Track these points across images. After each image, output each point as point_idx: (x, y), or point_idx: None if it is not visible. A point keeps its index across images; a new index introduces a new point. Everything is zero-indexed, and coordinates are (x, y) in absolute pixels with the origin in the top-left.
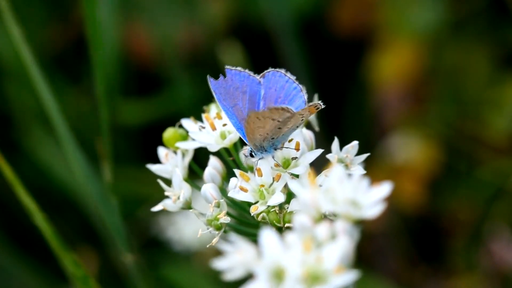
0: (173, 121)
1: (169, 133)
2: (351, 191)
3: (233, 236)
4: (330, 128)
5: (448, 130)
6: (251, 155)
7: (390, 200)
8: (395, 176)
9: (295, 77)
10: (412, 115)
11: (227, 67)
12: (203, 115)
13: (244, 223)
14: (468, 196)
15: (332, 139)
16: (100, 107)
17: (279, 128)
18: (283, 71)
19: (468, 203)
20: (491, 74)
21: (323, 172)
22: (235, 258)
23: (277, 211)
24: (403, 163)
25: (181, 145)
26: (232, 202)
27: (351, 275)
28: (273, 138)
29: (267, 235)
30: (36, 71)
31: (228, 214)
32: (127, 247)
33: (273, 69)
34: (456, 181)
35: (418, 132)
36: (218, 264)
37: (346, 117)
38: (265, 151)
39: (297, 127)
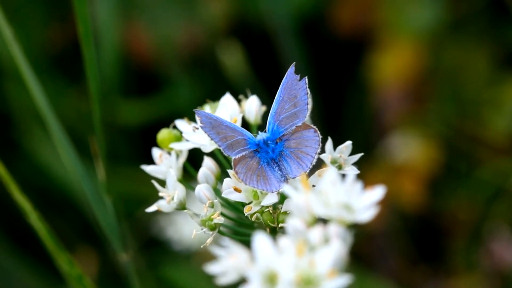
0: (173, 121)
1: (163, 134)
2: (344, 194)
3: (226, 240)
4: (330, 128)
5: (448, 130)
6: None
7: (390, 200)
8: (395, 176)
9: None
10: (412, 115)
11: None
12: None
13: (239, 223)
14: (468, 196)
15: (332, 139)
16: (93, 106)
17: None
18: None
19: (468, 203)
20: (491, 74)
21: (316, 173)
22: (228, 262)
23: (271, 211)
24: (403, 163)
25: (175, 146)
26: (226, 203)
27: (344, 279)
28: None
29: (259, 239)
30: (28, 70)
31: (222, 214)
32: (122, 246)
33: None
34: (456, 181)
35: (418, 132)
36: (211, 268)
37: (346, 117)
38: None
39: None
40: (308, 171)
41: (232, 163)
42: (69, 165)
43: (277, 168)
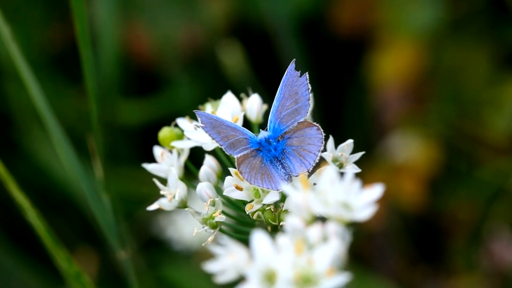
0: (173, 121)
1: (164, 133)
2: (343, 193)
3: (225, 239)
4: (330, 128)
5: (448, 130)
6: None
7: (390, 200)
8: (395, 176)
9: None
10: (412, 115)
11: None
12: None
13: (240, 221)
14: (468, 196)
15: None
16: (90, 103)
17: None
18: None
19: (468, 203)
20: (491, 74)
21: (317, 171)
22: (226, 261)
23: (272, 210)
24: (403, 163)
25: (177, 144)
26: (228, 201)
27: (343, 277)
28: None
29: (258, 237)
30: (26, 69)
31: (223, 212)
32: (120, 244)
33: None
34: (456, 181)
35: (418, 132)
36: (210, 267)
37: (346, 117)
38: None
39: None
40: (311, 169)
41: (236, 163)
42: (68, 164)
43: (280, 166)
